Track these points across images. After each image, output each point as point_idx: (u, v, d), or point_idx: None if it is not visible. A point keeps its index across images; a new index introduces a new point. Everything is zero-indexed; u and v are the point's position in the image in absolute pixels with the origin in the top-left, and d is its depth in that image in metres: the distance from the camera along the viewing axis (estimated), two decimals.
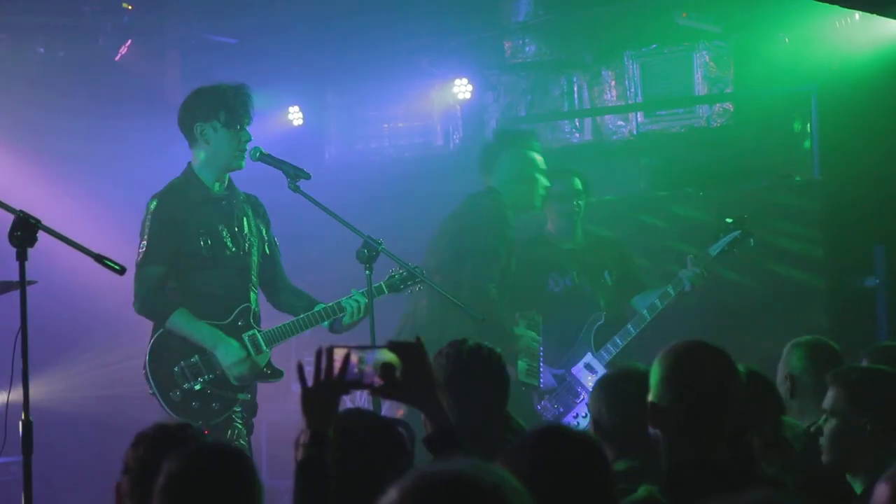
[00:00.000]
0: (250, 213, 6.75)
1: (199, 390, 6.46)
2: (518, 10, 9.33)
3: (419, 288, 6.70)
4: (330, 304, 6.59)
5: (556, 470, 3.08)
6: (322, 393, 3.57)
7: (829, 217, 8.31)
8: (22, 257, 4.67)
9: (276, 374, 6.63)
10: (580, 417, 7.54)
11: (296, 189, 6.32)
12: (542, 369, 7.55)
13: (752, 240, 7.56)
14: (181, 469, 3.20)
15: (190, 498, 3.17)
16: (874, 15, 8.06)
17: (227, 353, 6.46)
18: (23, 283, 4.68)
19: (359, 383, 3.61)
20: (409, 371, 3.62)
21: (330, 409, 3.58)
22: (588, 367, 7.66)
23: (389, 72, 9.69)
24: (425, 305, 7.49)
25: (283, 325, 6.65)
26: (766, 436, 4.18)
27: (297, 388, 3.67)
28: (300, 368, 3.60)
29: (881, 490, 2.65)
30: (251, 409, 6.62)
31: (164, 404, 6.44)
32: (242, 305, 6.58)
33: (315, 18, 8.99)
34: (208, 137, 6.58)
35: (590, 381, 7.53)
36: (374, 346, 3.69)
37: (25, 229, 4.66)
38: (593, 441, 3.36)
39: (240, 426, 6.49)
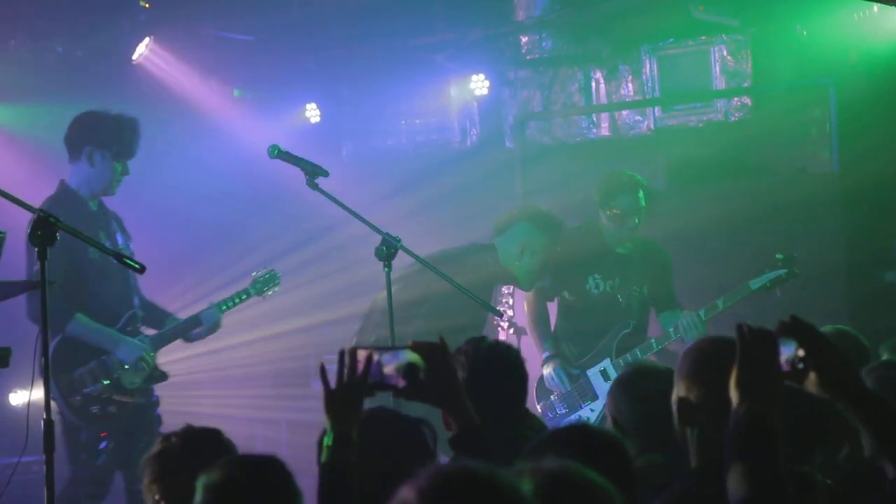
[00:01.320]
0: (118, 227, 7.04)
1: (97, 395, 6.70)
2: (535, 5, 9.30)
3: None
4: (189, 316, 7.01)
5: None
6: (345, 394, 3.55)
7: (847, 210, 8.27)
8: (42, 256, 4.68)
9: (163, 376, 6.94)
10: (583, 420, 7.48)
11: (314, 187, 6.26)
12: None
13: (794, 280, 7.47)
14: (221, 481, 3.20)
15: None
16: (892, 7, 8.03)
17: (130, 352, 6.76)
18: (43, 283, 4.68)
19: (382, 384, 3.59)
20: (433, 371, 3.60)
21: (353, 410, 3.55)
22: (604, 373, 7.62)
23: (406, 68, 9.67)
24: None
25: (160, 333, 7.00)
26: (833, 418, 4.12)
27: (317, 386, 3.67)
28: (323, 370, 3.59)
29: None
30: (148, 415, 6.87)
31: (66, 409, 6.67)
32: (130, 312, 6.89)
33: (331, 16, 8.99)
34: (95, 162, 6.90)
35: (602, 387, 7.50)
36: (397, 347, 3.65)
37: (46, 228, 4.66)
38: (618, 438, 3.35)
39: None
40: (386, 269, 6.01)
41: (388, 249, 6.03)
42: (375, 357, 3.56)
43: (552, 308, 7.94)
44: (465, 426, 3.67)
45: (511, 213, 7.67)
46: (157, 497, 3.85)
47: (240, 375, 9.51)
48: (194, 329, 7.09)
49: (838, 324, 7.44)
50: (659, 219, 7.99)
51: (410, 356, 3.58)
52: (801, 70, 8.70)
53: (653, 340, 7.52)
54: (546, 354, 7.73)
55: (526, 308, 7.90)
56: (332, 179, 6.30)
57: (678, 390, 3.54)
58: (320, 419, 3.59)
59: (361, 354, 3.55)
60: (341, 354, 3.57)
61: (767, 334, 3.14)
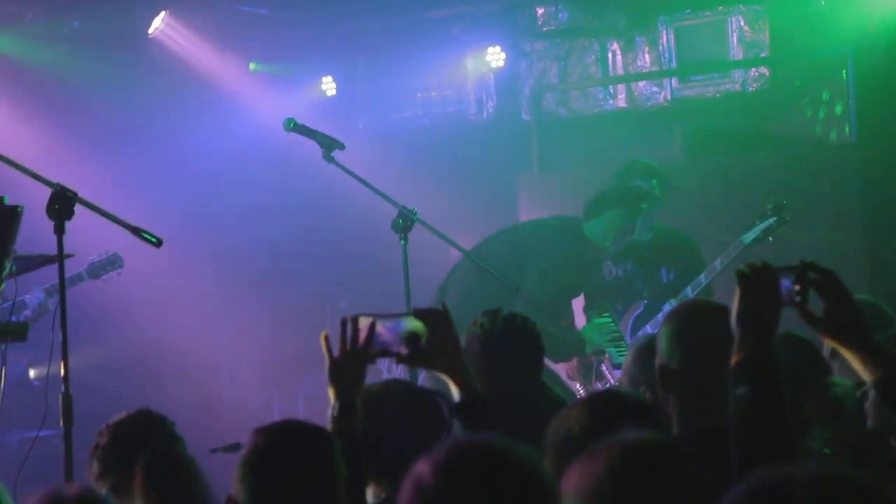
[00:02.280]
0: None
1: None
2: None
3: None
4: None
5: (612, 430, 3.07)
6: (349, 363, 3.55)
7: (866, 181, 8.24)
8: (59, 231, 4.68)
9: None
10: None
11: (330, 160, 6.26)
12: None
13: (785, 226, 7.43)
14: (266, 444, 3.19)
15: (273, 473, 3.16)
16: None
17: None
18: (61, 257, 4.69)
19: (385, 352, 3.59)
20: (436, 338, 3.59)
21: (357, 379, 3.55)
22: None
23: (421, 41, 9.65)
24: (461, 277, 7.45)
25: None
26: (817, 399, 4.13)
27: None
28: (325, 339, 3.58)
29: None
30: None
31: None
32: None
33: None
34: None
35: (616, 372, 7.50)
36: (399, 315, 3.64)
37: (63, 202, 4.66)
38: (648, 404, 3.36)
39: None
40: (402, 241, 6.01)
41: (404, 222, 6.02)
42: (379, 326, 3.55)
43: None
44: (467, 394, 3.66)
45: (605, 197, 7.47)
46: (106, 491, 3.80)
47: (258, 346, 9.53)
48: (21, 311, 6.88)
49: (857, 293, 7.51)
50: (677, 191, 7.97)
51: (413, 323, 3.58)
52: (819, 40, 8.64)
53: (659, 316, 7.51)
54: None
55: None
56: (349, 153, 6.30)
57: (658, 356, 3.53)
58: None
59: (363, 323, 3.55)
60: (343, 323, 3.57)
61: (767, 268, 3.16)
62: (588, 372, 7.58)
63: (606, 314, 7.54)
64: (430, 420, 3.85)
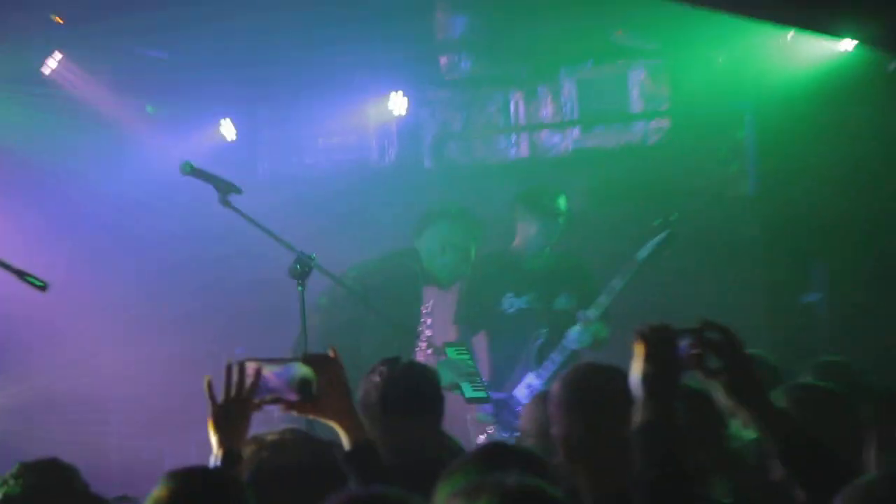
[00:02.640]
0: None
1: None
2: (454, 26, 9.26)
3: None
4: None
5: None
6: (233, 410, 3.47)
7: (765, 235, 8.31)
8: None
9: None
10: None
11: (227, 204, 6.18)
12: (485, 384, 7.47)
13: (678, 240, 7.52)
14: (178, 489, 3.08)
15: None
16: (808, 33, 8.09)
17: None
18: None
19: (274, 399, 3.51)
20: (326, 385, 3.53)
21: (241, 427, 3.48)
22: (530, 387, 7.60)
23: (323, 86, 9.57)
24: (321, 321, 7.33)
25: None
26: (714, 450, 4.10)
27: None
28: (209, 384, 3.51)
29: None
30: None
31: None
32: None
33: (248, 32, 8.88)
34: None
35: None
36: (287, 360, 3.58)
37: None
38: (537, 456, 3.32)
39: None
40: (300, 287, 5.95)
41: (302, 268, 5.97)
42: (265, 371, 3.46)
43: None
44: (358, 441, 3.60)
45: (427, 213, 7.67)
46: None
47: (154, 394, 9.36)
48: None
49: (758, 347, 7.57)
50: (581, 241, 8.02)
51: (302, 369, 3.49)
52: (719, 95, 8.73)
53: (564, 342, 7.53)
54: None
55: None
56: (248, 198, 6.22)
57: (557, 424, 3.50)
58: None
59: (250, 368, 3.46)
60: (228, 368, 3.49)
61: (665, 328, 3.20)
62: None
63: (465, 351, 7.50)
64: (326, 472, 3.74)
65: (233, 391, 3.48)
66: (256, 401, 3.49)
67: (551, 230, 7.82)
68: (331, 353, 3.61)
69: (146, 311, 9.61)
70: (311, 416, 3.66)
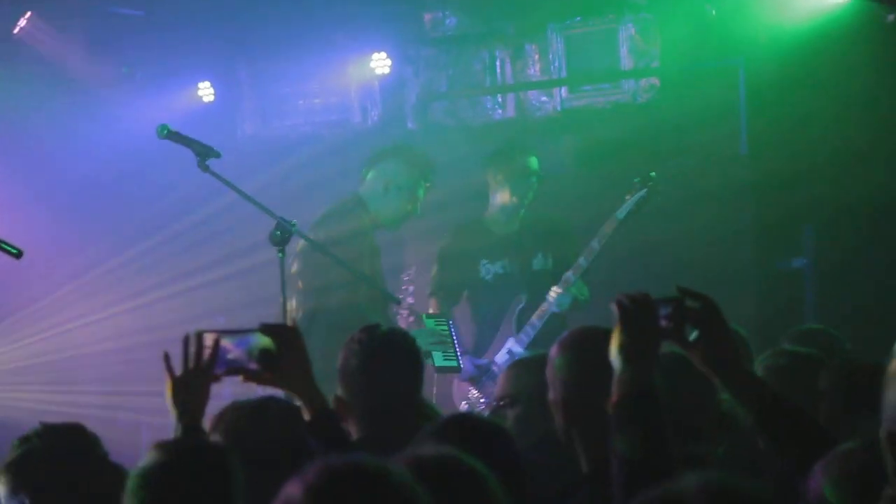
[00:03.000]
0: None
1: None
2: None
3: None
4: None
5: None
6: (191, 382, 3.43)
7: (756, 195, 8.21)
8: None
9: None
10: None
11: (205, 168, 6.13)
12: (459, 353, 7.36)
13: (659, 197, 7.44)
14: (165, 460, 3.01)
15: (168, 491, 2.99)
16: None
17: None
18: None
19: (234, 370, 3.47)
20: (285, 354, 3.49)
21: (201, 399, 3.44)
22: (510, 352, 7.53)
23: (304, 46, 9.40)
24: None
25: None
26: (707, 413, 4.01)
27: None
28: (166, 357, 3.47)
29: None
30: None
31: None
32: None
33: None
34: None
35: None
36: (246, 331, 3.51)
37: None
38: (502, 428, 3.33)
39: None
40: (280, 254, 5.90)
41: (282, 234, 5.91)
42: (224, 342, 3.42)
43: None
44: (319, 411, 3.56)
45: (371, 154, 7.59)
46: None
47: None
48: None
49: (745, 309, 7.49)
50: (567, 202, 7.93)
51: (261, 339, 3.44)
52: (710, 51, 8.59)
53: (548, 305, 7.45)
54: None
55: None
56: (227, 162, 6.15)
57: (555, 389, 3.45)
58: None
59: (208, 339, 3.41)
60: (186, 339, 3.43)
61: (645, 298, 3.15)
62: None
63: (443, 322, 7.44)
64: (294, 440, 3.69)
65: (191, 363, 3.43)
66: (216, 373, 3.45)
67: (524, 191, 7.72)
68: (290, 323, 3.54)
69: (124, 277, 9.51)
70: (270, 386, 3.62)
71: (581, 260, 7.40)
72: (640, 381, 3.07)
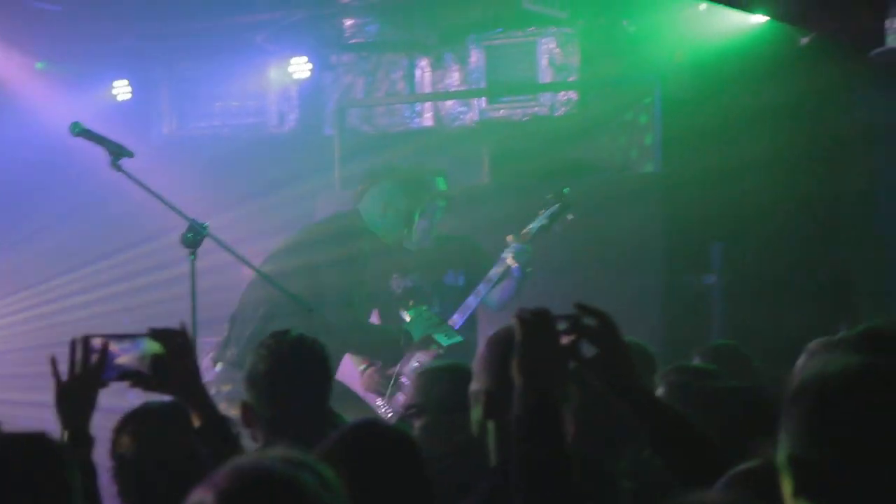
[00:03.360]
0: None
1: None
2: None
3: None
4: None
5: (369, 464, 3.08)
6: (78, 387, 3.35)
7: (668, 211, 8.26)
8: None
9: None
10: None
11: (118, 168, 6.03)
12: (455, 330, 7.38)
13: (570, 214, 7.45)
14: None
15: None
16: (720, 6, 8.03)
17: None
18: None
19: (125, 375, 3.41)
20: (173, 360, 3.44)
21: (86, 406, 3.36)
22: (419, 363, 7.50)
23: (222, 47, 9.34)
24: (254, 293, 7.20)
25: None
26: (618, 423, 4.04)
27: None
28: (53, 361, 3.38)
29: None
30: None
31: None
32: None
33: None
34: None
35: None
36: (135, 335, 3.46)
37: None
38: (407, 435, 3.31)
39: None
40: (191, 257, 5.83)
41: (194, 236, 5.84)
42: (113, 347, 3.36)
43: None
44: (209, 418, 3.50)
45: (370, 173, 7.52)
46: None
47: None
48: None
49: (655, 326, 7.53)
50: (482, 214, 7.91)
51: (151, 345, 3.40)
52: (628, 66, 8.64)
53: (455, 315, 7.44)
54: (361, 368, 7.60)
55: None
56: (142, 162, 6.06)
57: (483, 381, 3.41)
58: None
59: (96, 343, 3.35)
60: (72, 344, 3.36)
61: (543, 314, 3.13)
62: (387, 384, 7.46)
63: (426, 308, 7.47)
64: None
65: (77, 368, 3.35)
66: (105, 378, 3.38)
67: (433, 212, 7.66)
68: (179, 327, 3.49)
69: (31, 276, 9.36)
70: (159, 392, 3.56)
71: (492, 273, 7.39)
72: (537, 397, 3.05)
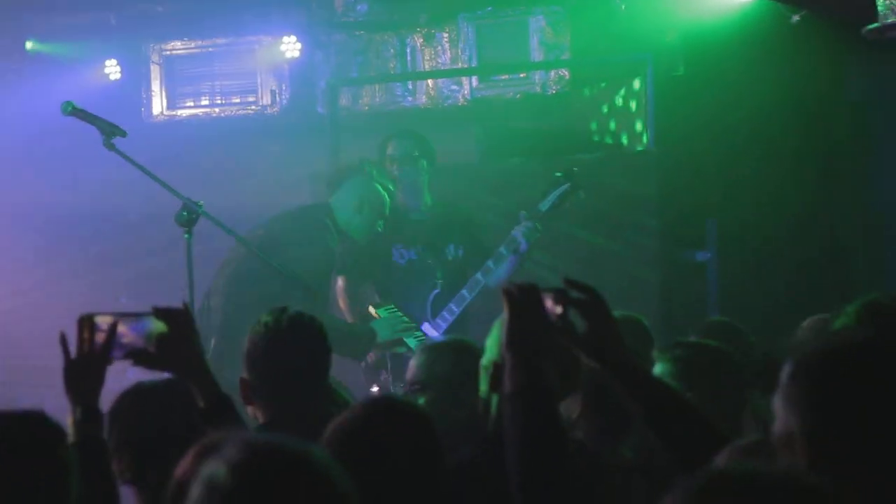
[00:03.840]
0: None
1: None
2: None
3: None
4: None
5: (384, 442, 3.11)
6: (86, 366, 3.39)
7: (662, 189, 8.26)
8: None
9: None
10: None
11: (111, 147, 6.07)
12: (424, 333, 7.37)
13: (581, 192, 7.44)
14: None
15: None
16: None
17: None
18: None
19: (131, 353, 3.44)
20: (176, 339, 3.47)
21: (96, 382, 3.41)
22: (426, 337, 7.50)
23: (214, 27, 9.31)
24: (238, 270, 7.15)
25: None
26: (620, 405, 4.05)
27: None
28: (63, 339, 3.41)
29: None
30: None
31: None
32: None
33: None
34: None
35: None
36: (141, 314, 3.49)
37: None
38: (422, 411, 3.34)
39: None
40: (186, 235, 5.83)
41: (189, 215, 5.85)
42: (120, 325, 3.40)
43: None
44: (211, 398, 3.53)
45: (346, 166, 7.48)
46: None
47: None
48: None
49: (650, 302, 7.54)
50: (476, 193, 7.90)
51: (157, 324, 3.44)
52: (620, 45, 8.64)
53: (464, 291, 7.43)
54: None
55: (340, 297, 7.72)
56: (134, 141, 6.07)
57: (494, 355, 3.41)
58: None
59: (103, 322, 3.39)
60: (80, 321, 3.40)
61: (531, 290, 3.13)
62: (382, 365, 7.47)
63: (394, 308, 7.45)
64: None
65: (85, 346, 3.39)
66: (112, 357, 3.42)
67: (415, 174, 7.63)
68: (182, 306, 3.55)
69: (28, 258, 9.35)
70: (163, 370, 3.60)
71: (502, 249, 7.36)
72: (526, 374, 3.05)
